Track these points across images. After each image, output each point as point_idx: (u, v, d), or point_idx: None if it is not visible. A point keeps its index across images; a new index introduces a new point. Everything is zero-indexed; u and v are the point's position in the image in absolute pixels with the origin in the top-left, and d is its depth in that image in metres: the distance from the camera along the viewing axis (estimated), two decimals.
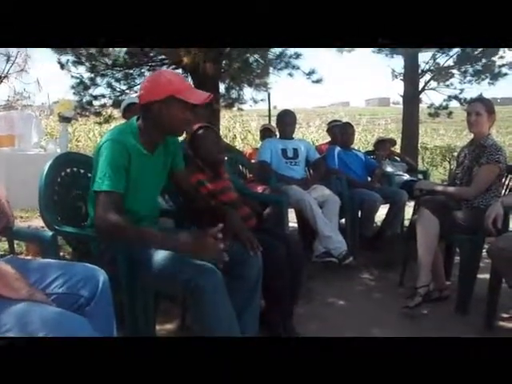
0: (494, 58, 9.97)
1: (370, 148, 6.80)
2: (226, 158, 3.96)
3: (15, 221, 2.18)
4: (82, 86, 7.43)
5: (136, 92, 7.35)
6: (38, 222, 5.52)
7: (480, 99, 3.57)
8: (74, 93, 7.48)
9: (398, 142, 9.46)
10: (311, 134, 18.88)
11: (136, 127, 2.30)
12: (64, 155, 2.77)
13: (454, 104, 10.74)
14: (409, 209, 5.12)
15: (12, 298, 1.49)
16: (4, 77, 14.38)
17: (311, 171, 4.96)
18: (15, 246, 2.70)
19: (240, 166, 4.52)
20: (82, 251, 2.44)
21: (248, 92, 7.93)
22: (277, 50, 7.08)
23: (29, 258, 2.59)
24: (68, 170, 2.58)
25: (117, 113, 7.76)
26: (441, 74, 10.40)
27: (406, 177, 5.81)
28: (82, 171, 2.65)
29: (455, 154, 7.58)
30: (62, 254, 3.22)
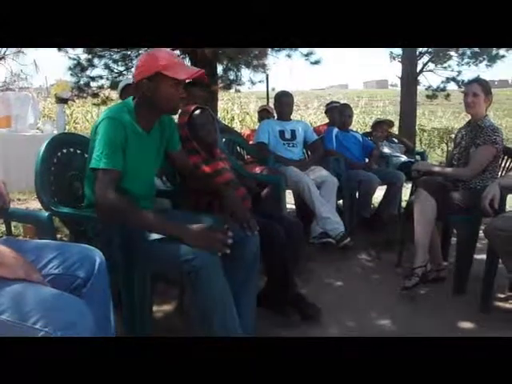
0: None
1: (368, 130, 6.77)
2: (223, 140, 3.96)
3: (12, 203, 2.16)
4: (79, 68, 7.40)
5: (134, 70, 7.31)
6: (35, 205, 5.51)
7: (477, 80, 3.55)
8: (71, 74, 7.45)
9: (396, 123, 9.43)
10: (309, 116, 18.81)
11: (132, 106, 2.29)
12: (60, 135, 2.76)
13: (451, 86, 10.72)
14: (406, 190, 5.12)
15: (8, 277, 1.48)
16: (1, 58, 14.25)
17: (309, 152, 4.95)
18: (13, 228, 2.70)
19: (238, 148, 4.52)
20: (79, 232, 2.43)
21: (246, 73, 7.89)
22: None
23: (25, 239, 2.58)
24: (64, 151, 2.56)
25: (114, 94, 7.73)
26: (438, 56, 10.35)
27: (404, 158, 5.80)
28: (78, 151, 2.63)
29: (453, 135, 7.55)
30: (58, 235, 3.23)
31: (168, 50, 2.39)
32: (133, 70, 7.18)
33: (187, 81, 2.39)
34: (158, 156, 2.46)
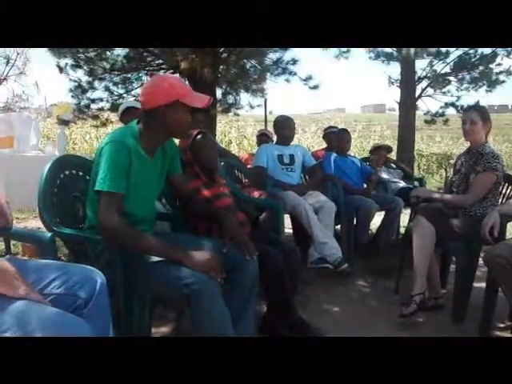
0: (491, 66, 9.96)
1: (366, 154, 6.80)
2: (222, 163, 3.98)
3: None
4: (80, 90, 7.45)
5: (134, 96, 7.37)
6: (34, 223, 5.51)
7: (475, 107, 3.58)
8: (72, 96, 7.51)
9: (394, 148, 9.47)
10: (307, 140, 18.88)
11: (137, 130, 2.32)
12: (63, 157, 2.79)
13: (450, 111, 10.75)
14: (405, 216, 5.12)
15: (8, 295, 1.49)
16: (3, 79, 14.37)
17: (307, 177, 4.97)
18: (11, 246, 2.70)
19: (236, 171, 4.53)
20: (79, 253, 2.44)
21: (245, 97, 7.95)
22: (274, 56, 7.11)
23: (26, 258, 2.59)
24: (67, 172, 2.59)
25: (114, 116, 7.78)
26: (438, 81, 10.39)
27: (402, 184, 5.82)
28: (80, 173, 2.66)
29: (451, 161, 7.62)
30: (58, 255, 3.22)
31: (175, 76, 2.45)
32: (133, 92, 7.24)
33: None
34: (160, 180, 2.49)
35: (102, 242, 2.23)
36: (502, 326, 3.17)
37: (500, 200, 3.59)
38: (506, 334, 3.07)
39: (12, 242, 2.82)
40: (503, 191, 3.66)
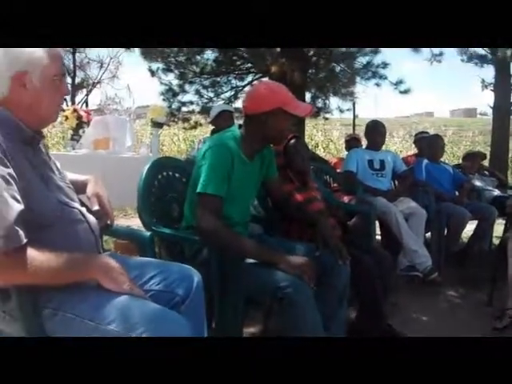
0: None
1: (457, 161, 6.60)
2: (311, 167, 3.99)
3: (116, 218, 2.28)
4: (171, 93, 7.68)
5: (223, 99, 7.49)
6: (125, 221, 5.73)
7: None
8: (163, 99, 7.74)
9: (487, 155, 9.13)
10: (394, 145, 18.49)
11: (239, 135, 2.37)
12: (160, 160, 2.88)
13: None
14: (498, 226, 4.94)
15: (113, 290, 1.56)
16: (97, 82, 15.03)
17: (397, 183, 4.89)
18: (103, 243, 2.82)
19: (325, 175, 4.53)
20: (175, 252, 2.52)
21: (334, 101, 7.91)
22: (363, 60, 7.03)
23: (127, 256, 2.71)
24: (164, 174, 2.68)
25: (203, 119, 7.95)
26: None
27: (496, 192, 5.60)
28: (177, 175, 2.75)
29: None
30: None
31: (279, 83, 2.47)
32: (223, 96, 7.37)
33: None
34: (257, 183, 2.54)
35: (200, 242, 2.28)
36: None
37: None
38: None
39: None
40: None
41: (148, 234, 2.22)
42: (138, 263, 1.89)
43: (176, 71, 7.45)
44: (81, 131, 5.03)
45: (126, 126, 5.23)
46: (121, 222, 5.93)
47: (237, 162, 2.29)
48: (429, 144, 5.25)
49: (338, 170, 4.98)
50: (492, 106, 10.16)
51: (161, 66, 7.43)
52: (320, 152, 15.29)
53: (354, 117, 10.30)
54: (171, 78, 7.59)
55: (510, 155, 11.04)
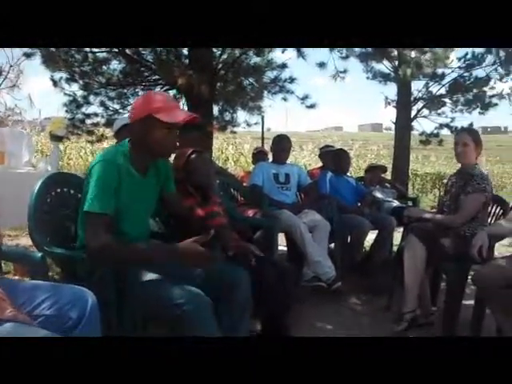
0: (484, 89, 10.09)
1: (362, 173, 6.83)
2: (217, 181, 3.99)
3: (3, 239, 2.17)
4: (74, 104, 7.40)
5: (129, 112, 7.32)
6: (26, 241, 5.48)
7: (467, 130, 3.65)
8: (66, 110, 7.43)
9: (389, 167, 9.51)
10: (304, 158, 18.93)
11: (128, 149, 2.31)
12: (54, 175, 2.76)
13: (445, 132, 10.82)
14: (398, 235, 5.14)
15: None
16: None
17: (302, 196, 4.99)
18: (3, 265, 2.69)
19: (232, 189, 4.55)
20: (70, 272, 2.43)
21: (242, 115, 7.94)
22: (271, 74, 7.12)
23: (16, 278, 2.59)
24: (58, 190, 2.57)
25: (109, 132, 7.75)
26: (433, 103, 10.48)
27: (396, 203, 5.82)
28: (71, 192, 2.64)
29: (445, 181, 7.65)
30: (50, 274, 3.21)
31: (164, 93, 2.43)
32: (128, 108, 7.23)
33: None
34: (153, 199, 2.49)
35: (90, 262, 2.20)
36: None
37: (489, 220, 3.63)
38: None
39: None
40: (492, 211, 3.69)
41: (39, 254, 2.12)
42: (28, 287, 1.82)
43: (80, 81, 7.20)
44: None
45: (24, 139, 5.00)
46: (22, 241, 5.67)
47: (125, 176, 2.23)
48: (333, 158, 5.40)
49: (245, 184, 5.01)
50: (394, 121, 10.62)
51: (64, 75, 7.15)
52: (230, 165, 15.38)
53: (263, 130, 10.41)
54: (75, 89, 7.33)
55: (410, 168, 11.57)
